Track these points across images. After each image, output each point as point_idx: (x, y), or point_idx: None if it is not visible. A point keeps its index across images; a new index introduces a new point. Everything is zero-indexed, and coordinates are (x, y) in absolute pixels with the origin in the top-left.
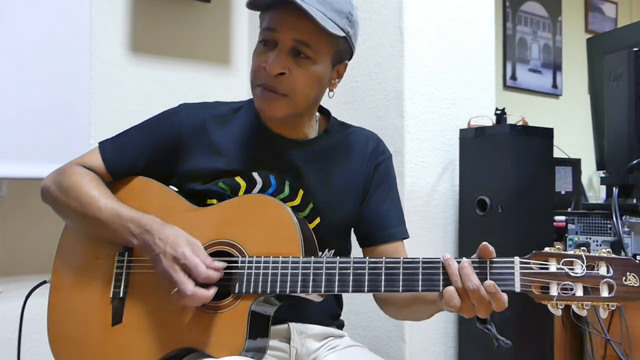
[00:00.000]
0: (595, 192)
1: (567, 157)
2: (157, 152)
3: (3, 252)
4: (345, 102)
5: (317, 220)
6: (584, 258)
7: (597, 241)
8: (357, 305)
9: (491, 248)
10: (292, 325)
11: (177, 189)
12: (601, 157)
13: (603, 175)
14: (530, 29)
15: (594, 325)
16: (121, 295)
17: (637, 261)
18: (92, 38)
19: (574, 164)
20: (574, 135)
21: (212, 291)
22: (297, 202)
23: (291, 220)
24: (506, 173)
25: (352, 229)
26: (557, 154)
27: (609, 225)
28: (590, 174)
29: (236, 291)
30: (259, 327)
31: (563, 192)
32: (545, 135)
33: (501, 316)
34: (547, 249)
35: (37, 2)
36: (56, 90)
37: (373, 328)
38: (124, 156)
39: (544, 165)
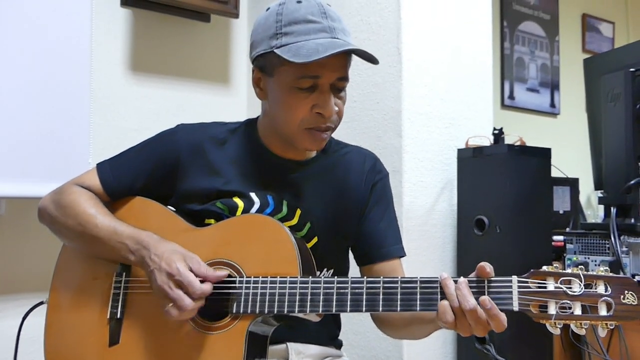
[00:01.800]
0: (594, 210)
1: (565, 176)
2: (155, 172)
3: (1, 271)
4: (344, 122)
5: (315, 239)
6: (582, 277)
7: (595, 261)
8: (356, 325)
9: (489, 268)
10: (290, 345)
11: (175, 209)
12: (599, 176)
13: (601, 194)
14: (528, 48)
15: (593, 346)
16: (118, 315)
17: (635, 280)
18: (92, 57)
19: (572, 184)
20: (571, 154)
21: (200, 302)
22: (294, 221)
23: (289, 240)
24: (504, 193)
25: (350, 248)
26: (555, 173)
27: (607, 245)
28: (589, 193)
29: (234, 311)
30: (256, 347)
31: (561, 212)
32: (543, 155)
33: (500, 336)
34: (545, 268)
35: (38, 21)
36: (55, 108)
37: (371, 348)
38: (122, 177)
39: (542, 185)
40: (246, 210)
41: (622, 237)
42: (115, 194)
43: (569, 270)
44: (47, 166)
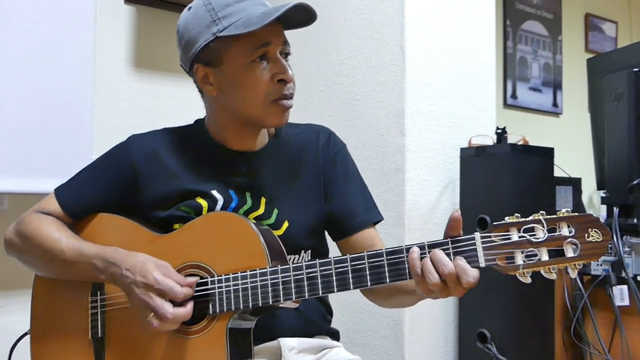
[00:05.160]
0: (596, 210)
1: (567, 176)
2: (113, 188)
3: (3, 266)
4: (346, 120)
5: (286, 224)
6: (544, 222)
7: (597, 260)
8: (357, 324)
9: (460, 220)
10: (282, 340)
11: (141, 220)
12: (601, 176)
13: (603, 194)
14: (531, 47)
15: (595, 345)
16: (99, 335)
17: (596, 216)
18: (96, 53)
19: (575, 183)
20: (574, 154)
21: (189, 306)
22: (261, 210)
23: (252, 233)
24: (507, 192)
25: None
26: (557, 172)
27: (610, 245)
28: (591, 193)
29: (210, 312)
30: (240, 344)
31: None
32: (546, 154)
33: (501, 336)
34: (506, 219)
35: (42, 18)
36: (59, 104)
37: (373, 346)
38: (80, 197)
39: (545, 185)
40: (211, 209)
41: (624, 237)
42: (76, 215)
43: (530, 218)
44: (50, 162)
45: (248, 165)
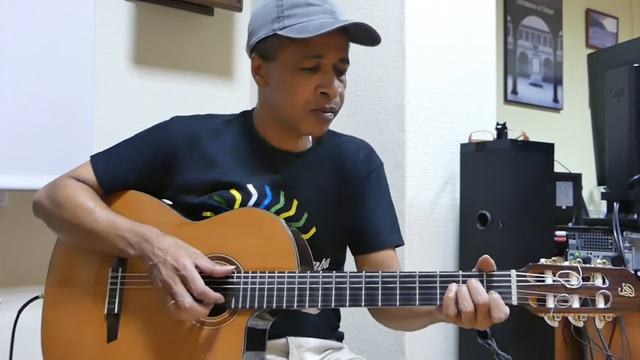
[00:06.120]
0: (596, 206)
1: (567, 172)
2: (149, 165)
3: (4, 263)
4: (347, 116)
5: (313, 230)
6: (580, 270)
7: (597, 256)
8: (358, 320)
9: (491, 261)
10: (290, 339)
11: (171, 202)
12: (602, 172)
13: (604, 190)
14: (531, 43)
15: (595, 341)
16: (116, 311)
17: (632, 272)
18: (96, 50)
19: (575, 179)
20: (574, 149)
21: (208, 308)
22: (292, 212)
23: (285, 234)
24: (507, 188)
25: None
26: (557, 168)
27: (610, 241)
28: (591, 188)
29: (232, 306)
30: (255, 342)
31: (564, 207)
32: (546, 150)
33: (502, 332)
34: (542, 261)
35: (41, 14)
36: (59, 101)
37: (373, 342)
38: (116, 170)
39: (545, 180)
40: (244, 203)
41: (624, 233)
42: (109, 188)
43: (566, 263)
44: (50, 159)
45: (287, 166)
